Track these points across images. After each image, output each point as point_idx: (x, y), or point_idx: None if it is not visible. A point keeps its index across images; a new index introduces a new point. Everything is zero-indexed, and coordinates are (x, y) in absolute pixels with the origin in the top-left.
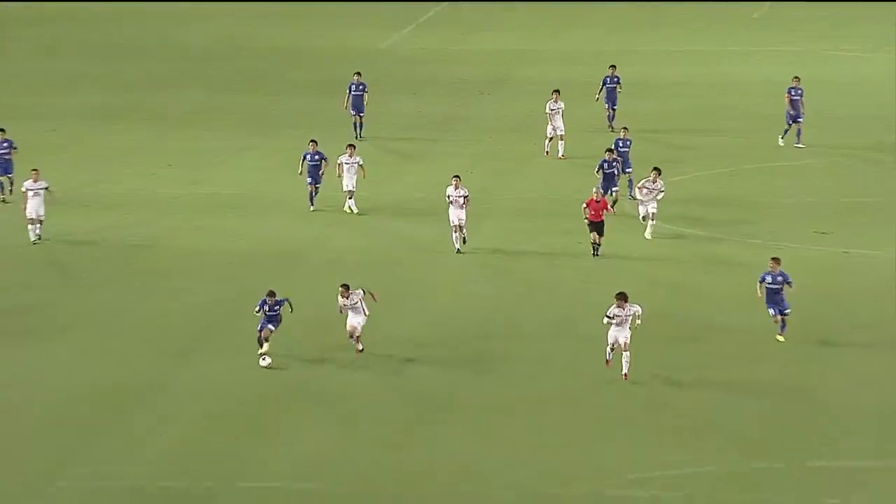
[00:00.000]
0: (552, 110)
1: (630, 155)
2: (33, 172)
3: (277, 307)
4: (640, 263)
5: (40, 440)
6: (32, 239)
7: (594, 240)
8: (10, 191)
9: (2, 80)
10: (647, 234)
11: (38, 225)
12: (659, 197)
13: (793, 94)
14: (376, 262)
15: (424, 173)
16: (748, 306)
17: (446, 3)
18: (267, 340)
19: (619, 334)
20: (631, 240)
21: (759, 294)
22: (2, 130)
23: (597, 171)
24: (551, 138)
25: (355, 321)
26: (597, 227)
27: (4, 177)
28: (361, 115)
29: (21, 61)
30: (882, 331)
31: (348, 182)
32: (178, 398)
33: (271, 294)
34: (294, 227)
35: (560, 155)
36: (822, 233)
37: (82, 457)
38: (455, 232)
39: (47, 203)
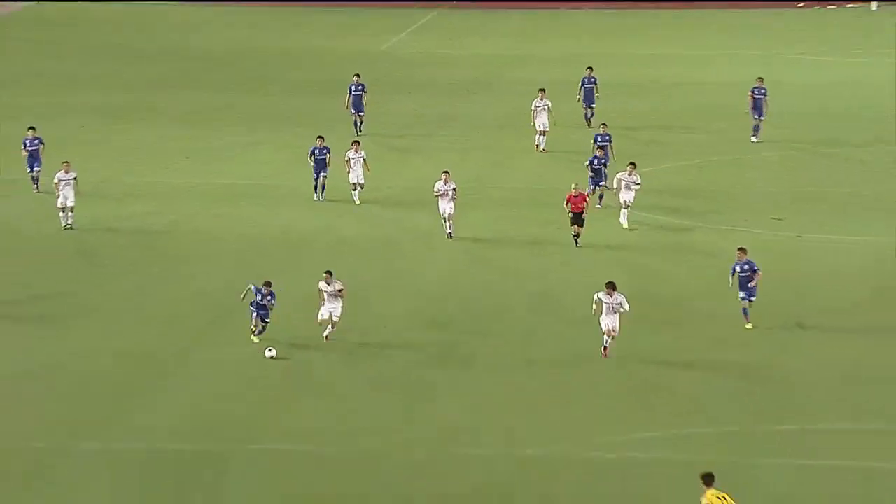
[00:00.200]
0: (537, 107)
1: (609, 149)
2: (64, 164)
3: (271, 298)
4: (615, 250)
5: (68, 406)
6: (63, 226)
7: (575, 231)
8: (38, 183)
9: (35, 81)
10: (622, 221)
11: (69, 213)
12: (635, 188)
13: (756, 93)
14: (376, 247)
15: (420, 167)
16: (714, 290)
17: (439, 10)
18: (261, 332)
19: (610, 321)
20: (609, 229)
21: (731, 283)
22: (32, 128)
23: (587, 167)
24: (540, 133)
25: (332, 307)
26: (577, 219)
27: (35, 171)
28: (361, 113)
29: (54, 63)
30: (837, 312)
31: (354, 175)
32: (195, 372)
33: (267, 284)
34: (302, 215)
35: (542, 148)
36: (778, 219)
37: (106, 421)
38: (445, 221)
39: (76, 193)
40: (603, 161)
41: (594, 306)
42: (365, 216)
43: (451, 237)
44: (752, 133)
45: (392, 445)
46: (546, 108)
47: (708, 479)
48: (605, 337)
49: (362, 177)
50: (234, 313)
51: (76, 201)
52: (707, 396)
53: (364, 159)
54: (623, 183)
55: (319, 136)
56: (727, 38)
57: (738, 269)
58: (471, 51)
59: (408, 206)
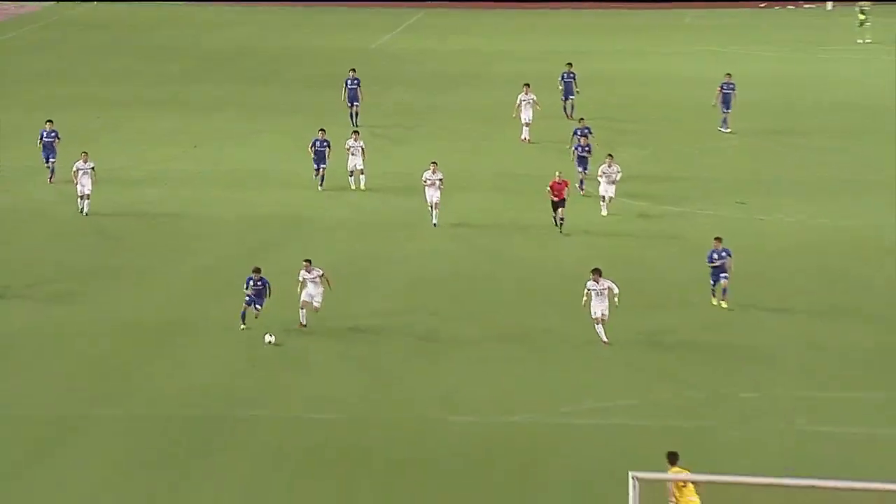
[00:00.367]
0: (522, 101)
1: (591, 140)
2: (83, 154)
3: (261, 284)
4: (593, 235)
5: (87, 375)
6: (81, 211)
7: (557, 217)
8: (53, 174)
9: (55, 75)
10: (604, 212)
11: (86, 200)
12: (616, 179)
13: (725, 88)
14: (366, 232)
15: (410, 156)
16: (681, 269)
17: (427, 9)
18: (253, 317)
19: (599, 306)
20: (586, 213)
21: (711, 271)
22: (49, 121)
23: (572, 153)
24: (525, 125)
25: (313, 293)
26: (559, 205)
27: (49, 162)
28: (357, 105)
29: (72, 58)
30: (797, 288)
31: (353, 163)
32: (203, 342)
33: (257, 271)
34: (301, 198)
35: (527, 140)
36: (741, 202)
37: (122, 389)
38: (431, 208)
39: (93, 182)
40: (587, 149)
41: (584, 298)
42: (357, 202)
43: (436, 225)
44: (721, 124)
45: (378, 413)
46: (531, 102)
47: (672, 458)
48: (597, 325)
49: (361, 164)
50: (238, 289)
51: (93, 190)
52: (674, 368)
53: (363, 148)
54: (604, 178)
55: (321, 129)
56: (696, 36)
57: (715, 255)
58: (456, 47)
59: (397, 192)
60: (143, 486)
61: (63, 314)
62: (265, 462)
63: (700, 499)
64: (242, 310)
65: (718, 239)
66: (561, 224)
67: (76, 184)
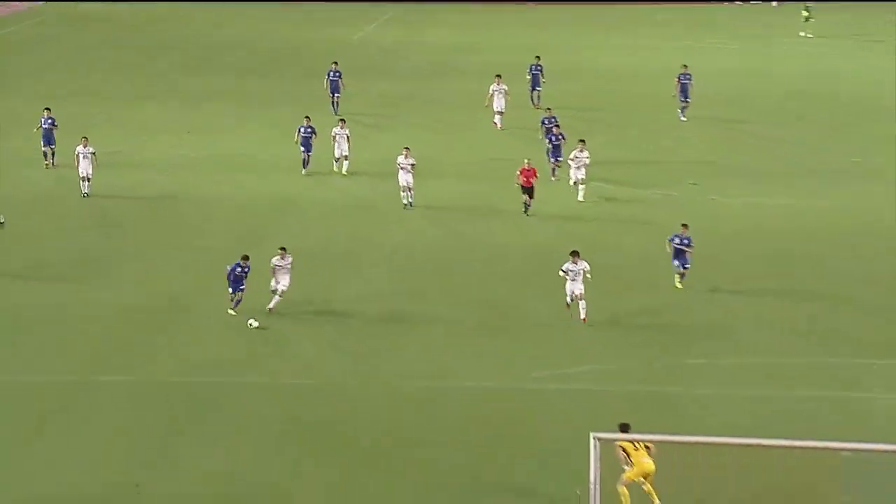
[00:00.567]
0: (495, 91)
1: (559, 128)
2: (83, 139)
3: (247, 271)
4: (563, 220)
5: (90, 346)
6: (83, 193)
7: (525, 201)
8: (53, 160)
9: (54, 69)
10: (580, 197)
11: (87, 182)
12: (585, 163)
13: (682, 79)
14: (346, 214)
15: (391, 142)
16: (640, 248)
17: (402, 4)
18: (238, 303)
19: (575, 286)
20: (556, 197)
21: (669, 251)
22: (47, 108)
23: (547, 146)
24: (498, 113)
25: (282, 279)
26: (528, 191)
27: (48, 147)
28: (338, 95)
29: (74, 51)
30: (749, 268)
31: (339, 149)
32: (200, 318)
33: (245, 258)
34: (287, 182)
35: (499, 128)
36: (694, 184)
37: (124, 359)
38: (404, 191)
39: (94, 166)
40: (560, 137)
41: (561, 273)
42: (338, 186)
43: (410, 206)
44: (680, 113)
45: (355, 382)
46: (503, 91)
47: (624, 428)
48: (570, 300)
49: (347, 150)
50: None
51: (93, 173)
52: (632, 339)
53: (348, 136)
54: (575, 162)
55: (306, 117)
56: (655, 30)
57: (676, 240)
58: (429, 40)
59: (378, 177)
60: (143, 450)
61: (66, 293)
62: (253, 427)
63: (653, 461)
64: (231, 297)
65: (685, 226)
66: (527, 208)
67: (77, 166)
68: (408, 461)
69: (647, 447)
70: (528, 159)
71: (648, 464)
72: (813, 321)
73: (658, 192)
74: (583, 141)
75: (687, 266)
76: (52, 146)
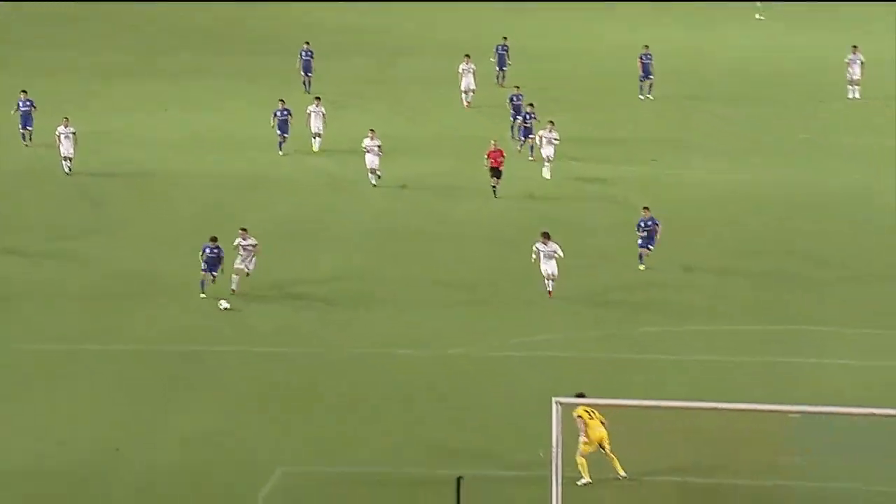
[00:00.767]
0: (464, 70)
1: (529, 107)
2: (64, 119)
3: (218, 251)
4: (530, 199)
5: (75, 316)
6: (65, 171)
7: (494, 184)
8: (30, 139)
9: (36, 43)
10: (546, 174)
11: (69, 162)
12: (555, 142)
13: (644, 59)
14: (313, 191)
15: (361, 121)
16: (607, 223)
17: None
18: (210, 282)
19: (548, 266)
20: (525, 175)
21: (639, 237)
22: (24, 91)
23: (518, 129)
24: (465, 92)
25: (246, 260)
26: (496, 172)
27: (25, 129)
28: (310, 74)
29: (51, 28)
30: (704, 240)
31: (314, 126)
32: (175, 289)
33: (213, 239)
34: (261, 159)
35: (467, 105)
36: (653, 160)
37: (106, 328)
38: (371, 174)
39: (75, 145)
40: (531, 116)
41: (533, 256)
42: (311, 164)
43: (375, 186)
44: (640, 91)
45: (329, 350)
46: (471, 70)
47: (581, 396)
48: (547, 281)
49: (321, 128)
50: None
51: (75, 153)
52: (595, 311)
53: (324, 114)
54: (545, 139)
55: (280, 100)
56: (619, 12)
57: (642, 224)
58: (401, 20)
59: (347, 154)
60: (125, 412)
61: (49, 261)
62: (232, 392)
63: (605, 427)
64: (201, 279)
65: (646, 209)
66: (494, 189)
67: (59, 146)
68: (378, 422)
69: (601, 423)
70: (495, 140)
71: (601, 431)
72: (765, 291)
73: (621, 168)
74: (552, 122)
75: (651, 247)
76: (30, 128)
